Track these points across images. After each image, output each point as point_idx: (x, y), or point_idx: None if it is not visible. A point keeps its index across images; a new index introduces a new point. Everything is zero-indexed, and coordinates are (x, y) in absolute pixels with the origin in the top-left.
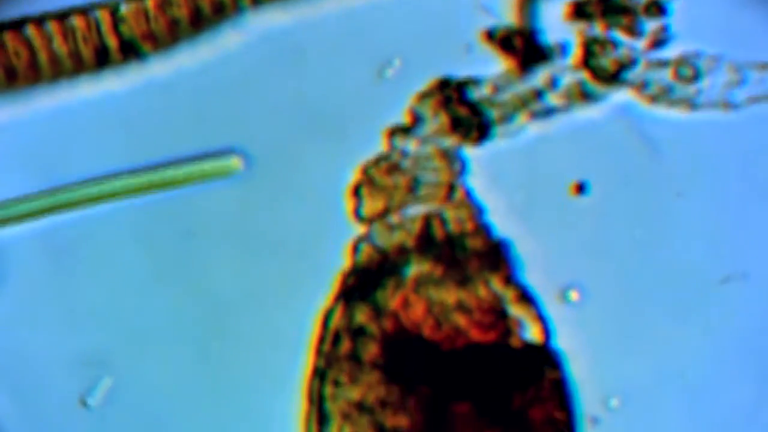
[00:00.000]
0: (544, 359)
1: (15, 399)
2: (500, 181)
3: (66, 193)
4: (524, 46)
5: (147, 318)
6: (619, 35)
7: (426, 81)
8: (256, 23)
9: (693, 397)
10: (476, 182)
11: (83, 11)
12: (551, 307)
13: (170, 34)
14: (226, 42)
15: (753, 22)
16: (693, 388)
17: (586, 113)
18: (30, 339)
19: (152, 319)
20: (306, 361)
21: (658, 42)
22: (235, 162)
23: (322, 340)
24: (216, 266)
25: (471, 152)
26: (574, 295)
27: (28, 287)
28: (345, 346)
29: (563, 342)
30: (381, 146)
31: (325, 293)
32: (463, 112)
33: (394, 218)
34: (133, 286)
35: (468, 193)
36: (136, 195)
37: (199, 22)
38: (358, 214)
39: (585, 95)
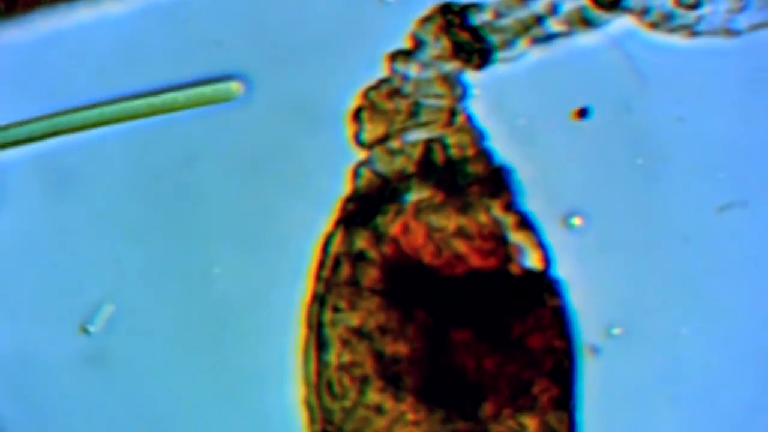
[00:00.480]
0: (543, 287)
1: (10, 323)
2: (502, 107)
3: (66, 117)
4: None
5: (145, 243)
6: None
7: (428, 6)
8: None
9: (696, 323)
10: (478, 107)
11: None
12: (554, 234)
13: None
14: None
15: None
16: (695, 315)
17: (588, 39)
18: (26, 264)
19: (151, 243)
20: (305, 287)
21: None
22: (235, 87)
23: (321, 265)
24: (215, 191)
25: (472, 77)
26: (577, 221)
27: (27, 211)
28: (345, 271)
29: (566, 269)
30: (382, 71)
31: (325, 219)
32: (464, 37)
33: (394, 143)
34: (132, 211)
35: (469, 118)
36: (136, 119)
37: None
38: (358, 139)
39: (586, 21)
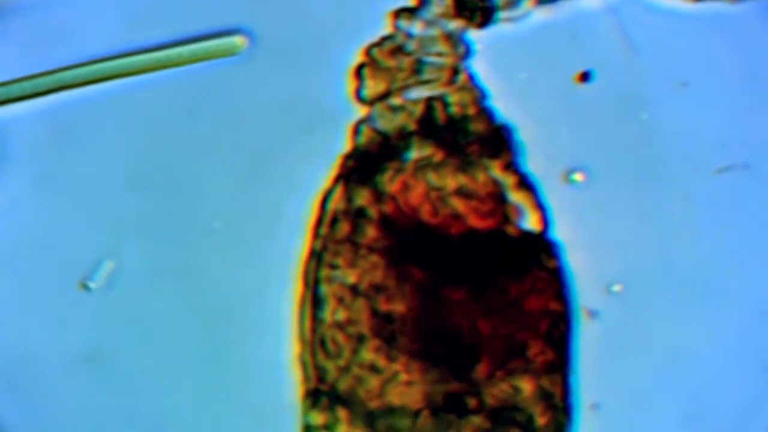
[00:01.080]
0: (541, 248)
1: (15, 281)
2: (504, 67)
3: (69, 72)
4: None
5: (148, 197)
6: None
7: None
8: None
9: (694, 285)
10: (480, 66)
11: None
12: (554, 193)
13: None
14: None
15: None
16: (694, 278)
17: (592, 1)
18: (32, 220)
19: (153, 198)
20: (303, 244)
21: None
22: (239, 41)
23: (319, 222)
24: (216, 146)
25: (476, 36)
26: (578, 177)
27: (32, 166)
28: (343, 229)
29: (566, 228)
30: (386, 28)
31: (324, 175)
32: None
33: (396, 101)
34: (135, 165)
35: (471, 77)
36: (140, 74)
37: None
38: (359, 96)
39: None
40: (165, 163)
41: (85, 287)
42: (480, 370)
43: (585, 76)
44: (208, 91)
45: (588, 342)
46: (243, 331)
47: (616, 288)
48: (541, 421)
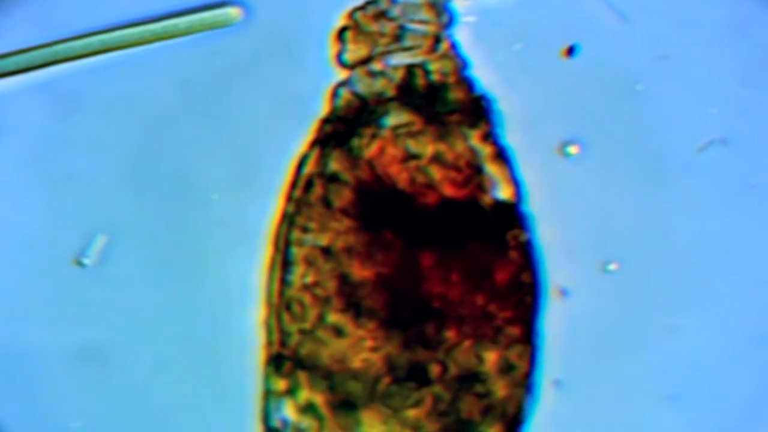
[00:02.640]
0: (514, 220)
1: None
2: (487, 37)
3: (66, 44)
4: None
5: (148, 164)
6: None
7: None
8: None
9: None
10: (463, 36)
11: None
12: (545, 167)
13: None
14: None
15: None
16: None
17: None
18: (23, 194)
19: (153, 163)
20: (275, 207)
21: None
22: (234, 12)
23: (294, 185)
24: (211, 116)
25: (460, 5)
26: (573, 150)
27: (29, 139)
28: (317, 192)
29: (558, 203)
30: None
31: (301, 139)
32: None
33: (376, 66)
34: (133, 136)
35: (453, 46)
36: (137, 46)
37: None
38: (340, 59)
39: None
40: (161, 133)
41: (80, 264)
42: (446, 338)
43: (570, 51)
44: (203, 62)
45: (557, 319)
46: (215, 299)
47: (612, 267)
48: (501, 393)
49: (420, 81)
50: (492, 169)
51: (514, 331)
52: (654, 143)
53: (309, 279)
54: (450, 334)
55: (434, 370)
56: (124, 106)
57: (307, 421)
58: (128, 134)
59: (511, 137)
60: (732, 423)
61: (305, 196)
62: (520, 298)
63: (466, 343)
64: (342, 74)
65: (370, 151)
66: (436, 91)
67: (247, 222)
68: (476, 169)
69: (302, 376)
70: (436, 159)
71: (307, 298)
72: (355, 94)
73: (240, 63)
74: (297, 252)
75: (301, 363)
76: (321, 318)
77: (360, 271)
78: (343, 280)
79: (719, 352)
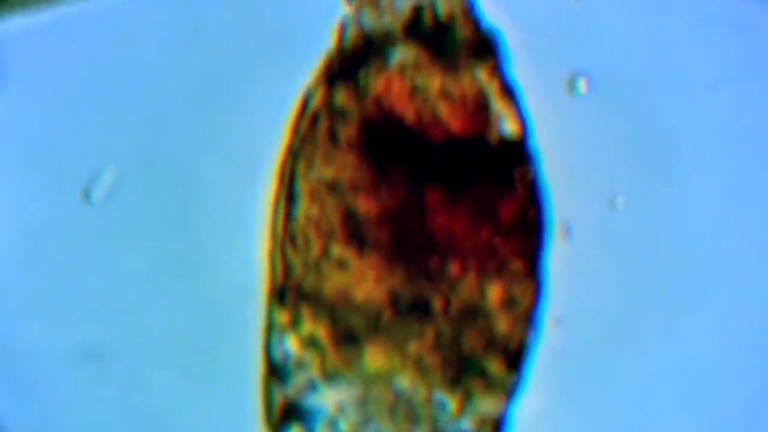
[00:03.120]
0: (520, 156)
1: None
2: None
3: None
4: None
5: (150, 101)
6: None
7: None
8: None
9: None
10: None
11: None
12: (552, 103)
13: None
14: None
15: None
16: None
17: None
18: (33, 127)
19: (154, 100)
20: (282, 140)
21: None
22: None
23: (299, 119)
24: (214, 54)
25: None
26: (581, 84)
27: (31, 81)
28: (323, 126)
29: (567, 140)
30: None
31: (307, 73)
32: None
33: (384, 0)
34: (139, 76)
35: None
36: None
37: None
38: None
39: None
40: (167, 72)
41: (88, 198)
42: (450, 273)
43: None
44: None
45: (561, 255)
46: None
47: (619, 201)
48: (503, 328)
49: (427, 16)
50: (499, 105)
51: (517, 266)
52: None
53: (313, 212)
54: (453, 268)
55: (437, 304)
56: (131, 46)
57: (309, 354)
58: (134, 73)
59: (518, 73)
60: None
61: (311, 131)
62: (526, 234)
63: (470, 278)
64: (349, 9)
65: (377, 86)
66: (444, 26)
67: (252, 154)
68: (483, 105)
69: (305, 309)
70: (443, 94)
71: (311, 232)
72: (363, 29)
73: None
74: (302, 186)
75: (304, 296)
76: (325, 251)
77: (365, 205)
78: (348, 214)
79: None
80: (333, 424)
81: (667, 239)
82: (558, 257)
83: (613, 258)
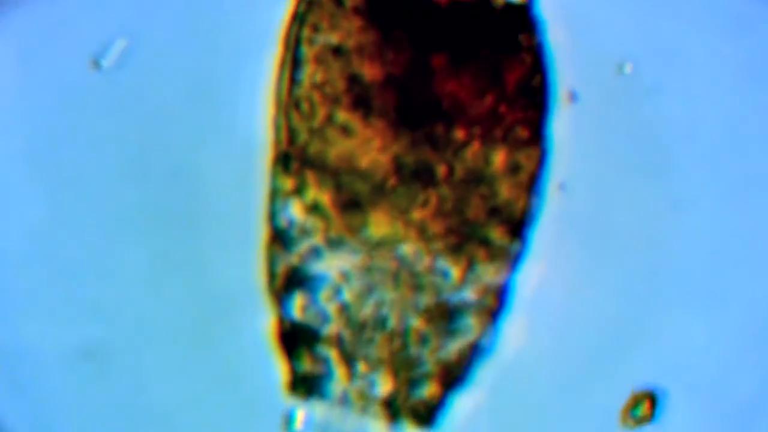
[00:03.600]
0: (527, 23)
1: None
2: None
3: None
4: None
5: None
6: None
7: None
8: None
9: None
10: None
11: None
12: None
13: None
14: None
15: None
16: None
17: None
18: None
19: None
20: (287, 7)
21: None
22: None
23: None
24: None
25: None
26: None
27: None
28: None
29: (578, 8)
30: None
31: None
32: None
33: None
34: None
35: None
36: None
37: None
38: None
39: None
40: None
41: (97, 65)
42: (455, 139)
43: None
44: None
45: (567, 122)
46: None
47: (628, 68)
48: (506, 195)
49: None
50: None
51: (522, 133)
52: None
53: (318, 78)
54: (458, 135)
55: (440, 170)
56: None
57: (313, 221)
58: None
59: None
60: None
61: None
62: (531, 99)
63: (474, 144)
64: None
65: None
66: None
67: (257, 22)
68: None
69: (309, 175)
70: None
71: (316, 97)
72: None
73: None
74: (307, 51)
75: (308, 162)
76: (330, 117)
77: (370, 71)
78: (353, 79)
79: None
80: (336, 291)
81: (671, 109)
82: (563, 123)
83: (619, 124)
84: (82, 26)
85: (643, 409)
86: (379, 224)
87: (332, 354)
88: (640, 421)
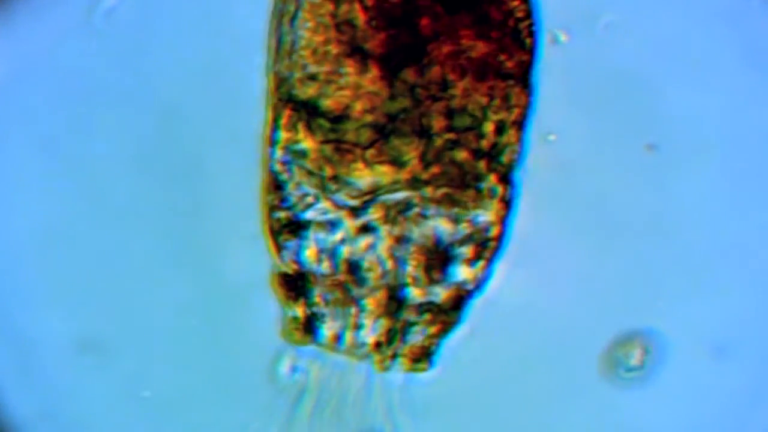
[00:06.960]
0: None
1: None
2: None
3: None
4: None
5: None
6: None
7: None
8: None
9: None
10: None
11: None
12: None
13: None
14: None
15: None
16: None
17: None
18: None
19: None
20: None
21: None
22: None
23: None
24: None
25: None
26: None
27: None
28: None
29: None
30: None
31: None
32: None
33: None
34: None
35: None
36: None
37: None
38: None
39: None
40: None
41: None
42: (445, 81)
43: None
44: None
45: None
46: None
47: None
48: (485, 144)
49: None
50: None
51: (516, 67)
52: None
53: (310, 25)
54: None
55: (435, 120)
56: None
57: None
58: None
59: None
60: None
61: None
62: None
63: (463, 83)
64: None
65: None
66: None
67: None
68: None
69: (301, 126)
70: None
71: (307, 53)
72: None
73: None
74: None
75: (302, 107)
76: (331, 66)
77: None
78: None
79: None
80: (330, 238)
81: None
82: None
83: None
84: None
85: (636, 356)
86: (372, 172)
87: (328, 299)
88: (632, 369)
